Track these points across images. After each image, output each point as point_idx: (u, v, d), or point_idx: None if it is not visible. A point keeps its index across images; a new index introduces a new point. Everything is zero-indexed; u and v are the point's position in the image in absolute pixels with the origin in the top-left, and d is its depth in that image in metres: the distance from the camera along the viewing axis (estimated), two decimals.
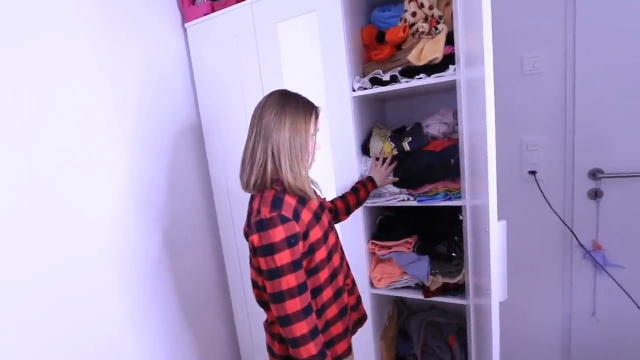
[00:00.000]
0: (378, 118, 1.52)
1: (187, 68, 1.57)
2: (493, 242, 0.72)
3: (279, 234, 0.78)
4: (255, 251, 0.83)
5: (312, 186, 0.92)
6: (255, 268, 0.90)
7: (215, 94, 1.51)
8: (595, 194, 1.31)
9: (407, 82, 1.16)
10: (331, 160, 1.30)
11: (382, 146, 1.26)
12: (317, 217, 0.89)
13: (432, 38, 1.18)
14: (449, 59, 1.11)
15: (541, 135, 1.38)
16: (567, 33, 1.28)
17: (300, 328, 0.79)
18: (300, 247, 0.82)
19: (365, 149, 1.30)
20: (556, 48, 1.30)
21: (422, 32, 1.21)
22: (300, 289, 0.80)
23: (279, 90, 0.93)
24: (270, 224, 0.78)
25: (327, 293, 0.92)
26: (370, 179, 1.23)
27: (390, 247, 1.31)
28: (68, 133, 1.12)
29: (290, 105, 0.87)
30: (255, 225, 0.80)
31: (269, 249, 0.78)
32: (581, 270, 1.37)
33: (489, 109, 0.72)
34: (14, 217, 0.98)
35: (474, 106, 0.83)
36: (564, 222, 1.35)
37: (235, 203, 1.57)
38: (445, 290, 1.24)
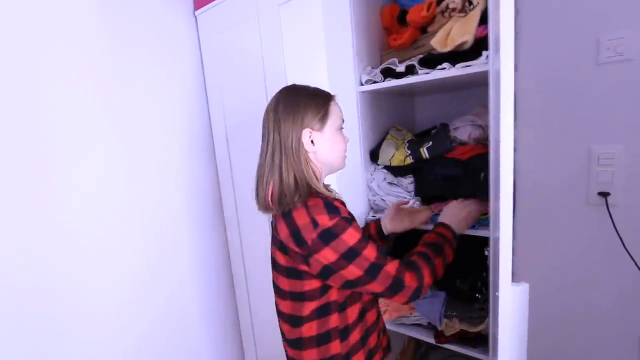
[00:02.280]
0: (402, 117, 1.27)
1: (199, 59, 1.48)
2: (504, 314, 0.48)
3: (352, 234, 0.69)
4: (326, 270, 0.69)
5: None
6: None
7: (222, 87, 1.40)
8: None
9: (426, 73, 0.91)
10: None
11: (394, 153, 1.03)
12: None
13: (465, 16, 0.92)
14: (482, 44, 0.84)
15: (619, 145, 1.02)
16: None
17: (429, 275, 0.78)
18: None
19: (374, 156, 1.08)
20: None
21: (454, 9, 0.95)
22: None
23: (286, 87, 0.80)
24: (338, 228, 0.68)
25: (353, 311, 0.77)
26: (376, 222, 1.01)
27: None
28: (65, 128, 1.09)
29: (302, 102, 0.74)
30: (319, 238, 0.67)
31: (351, 253, 0.68)
32: None
33: (505, 113, 0.48)
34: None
35: (497, 105, 0.59)
36: (635, 262, 0.99)
37: (240, 197, 1.46)
38: (463, 338, 0.99)
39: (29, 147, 1.03)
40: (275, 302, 0.82)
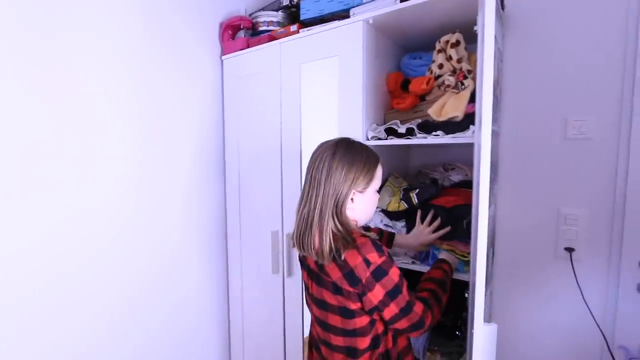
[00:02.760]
0: (400, 165, 1.44)
1: (220, 98, 1.64)
2: (477, 348, 0.61)
3: (395, 272, 0.77)
4: (374, 308, 0.77)
5: None
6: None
7: (240, 126, 1.56)
8: None
9: (423, 137, 1.08)
10: None
11: (391, 200, 1.18)
12: None
13: (457, 93, 1.10)
14: (471, 118, 1.02)
15: (583, 209, 1.19)
16: (624, 98, 1.11)
17: (438, 313, 0.86)
18: None
19: None
20: (609, 113, 1.14)
21: (448, 86, 1.14)
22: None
23: (344, 141, 0.86)
24: (386, 265, 0.76)
25: (388, 338, 0.85)
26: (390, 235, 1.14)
27: None
28: (101, 147, 1.23)
29: (358, 163, 0.82)
30: (372, 276, 0.74)
31: (395, 291, 0.76)
32: None
33: (483, 188, 0.63)
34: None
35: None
36: (592, 315, 1.13)
37: (245, 219, 1.58)
38: None
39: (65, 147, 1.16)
40: (323, 337, 0.87)
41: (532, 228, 1.27)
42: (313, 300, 0.88)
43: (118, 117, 1.28)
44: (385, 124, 1.21)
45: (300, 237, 0.83)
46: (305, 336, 1.40)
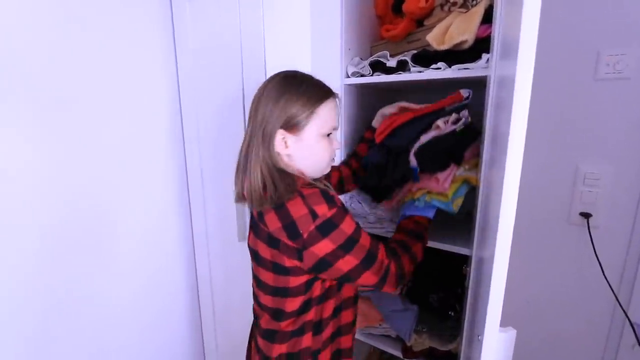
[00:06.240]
0: None
1: (171, 32, 1.33)
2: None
3: (349, 224, 0.64)
4: (321, 263, 0.64)
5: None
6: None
7: (195, 64, 1.27)
8: None
9: (419, 72, 0.83)
10: None
11: None
12: None
13: (466, 12, 0.84)
14: (483, 45, 0.76)
15: (607, 166, 0.99)
16: None
17: (408, 263, 0.74)
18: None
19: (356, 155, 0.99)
20: None
21: (455, 3, 0.87)
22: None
23: (284, 72, 0.71)
24: (337, 218, 0.63)
25: (329, 305, 0.73)
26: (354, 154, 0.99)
27: None
28: None
29: (289, 95, 0.66)
30: (318, 229, 0.62)
31: (350, 242, 0.64)
32: None
33: (517, 136, 0.40)
34: None
35: (500, 121, 0.51)
36: (611, 288, 0.97)
37: (205, 145, 1.35)
38: (432, 355, 0.94)
39: None
40: (254, 292, 0.78)
41: (543, 189, 1.07)
42: (250, 252, 0.76)
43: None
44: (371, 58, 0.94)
45: (238, 181, 0.71)
46: None
